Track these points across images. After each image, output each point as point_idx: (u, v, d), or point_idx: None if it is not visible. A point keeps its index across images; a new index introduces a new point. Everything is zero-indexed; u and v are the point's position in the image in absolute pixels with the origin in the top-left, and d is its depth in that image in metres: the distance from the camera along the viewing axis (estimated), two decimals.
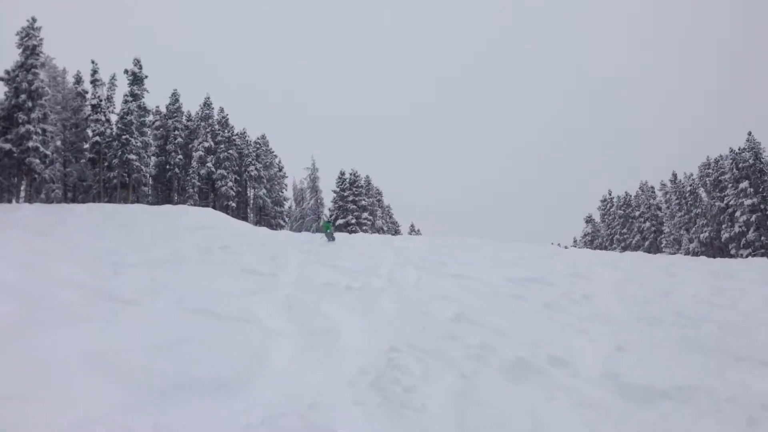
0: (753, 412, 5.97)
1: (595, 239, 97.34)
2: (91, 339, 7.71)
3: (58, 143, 49.86)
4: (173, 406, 6.01)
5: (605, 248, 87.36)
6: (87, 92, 51.69)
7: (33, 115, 41.65)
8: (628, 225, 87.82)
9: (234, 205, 62.97)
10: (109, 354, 7.22)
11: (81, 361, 6.91)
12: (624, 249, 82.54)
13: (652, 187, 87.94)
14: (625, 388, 6.80)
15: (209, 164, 61.88)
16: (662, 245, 78.48)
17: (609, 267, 19.52)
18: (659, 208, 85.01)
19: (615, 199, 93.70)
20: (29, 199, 43.88)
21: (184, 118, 65.10)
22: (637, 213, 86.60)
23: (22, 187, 45.28)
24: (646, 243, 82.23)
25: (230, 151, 64.56)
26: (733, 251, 64.11)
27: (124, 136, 48.74)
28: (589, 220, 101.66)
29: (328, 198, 74.84)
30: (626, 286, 15.22)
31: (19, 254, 15.88)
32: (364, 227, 68.08)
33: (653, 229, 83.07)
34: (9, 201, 44.52)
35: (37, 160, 41.35)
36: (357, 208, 70.25)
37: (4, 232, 22.84)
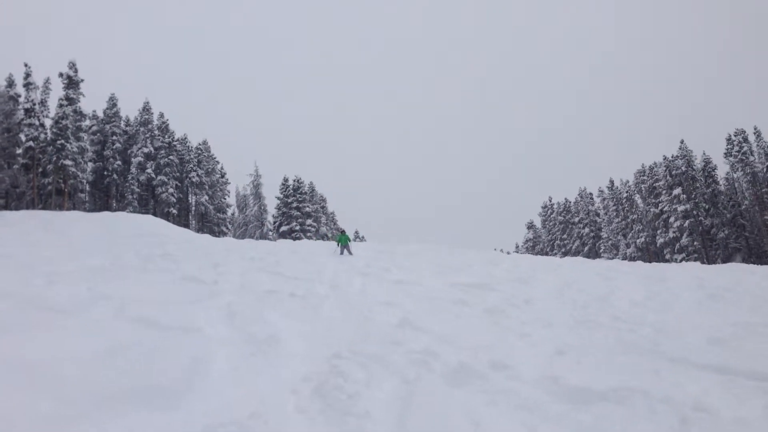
0: (686, 412, 6.18)
1: (536, 245, 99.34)
2: (21, 350, 7.42)
3: None
4: (110, 417, 5.83)
5: (546, 254, 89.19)
6: (20, 96, 50.05)
7: None
8: (568, 231, 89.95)
9: (175, 212, 61.81)
10: (41, 365, 6.95)
11: (9, 371, 6.64)
12: (564, 254, 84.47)
13: (591, 194, 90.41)
14: (564, 390, 6.95)
15: (149, 170, 60.62)
16: (601, 250, 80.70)
17: (550, 272, 19.95)
18: (597, 214, 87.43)
19: (555, 206, 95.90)
20: None
21: (122, 123, 63.69)
22: (576, 219, 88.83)
23: None
24: (586, 248, 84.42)
25: (171, 157, 63.41)
26: (667, 256, 66.38)
27: (59, 141, 47.35)
28: (530, 226, 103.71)
29: (271, 204, 74.32)
30: (566, 291, 15.57)
31: None
32: (309, 234, 67.73)
33: (592, 234, 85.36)
34: None
35: None
36: (301, 214, 69.91)
37: None
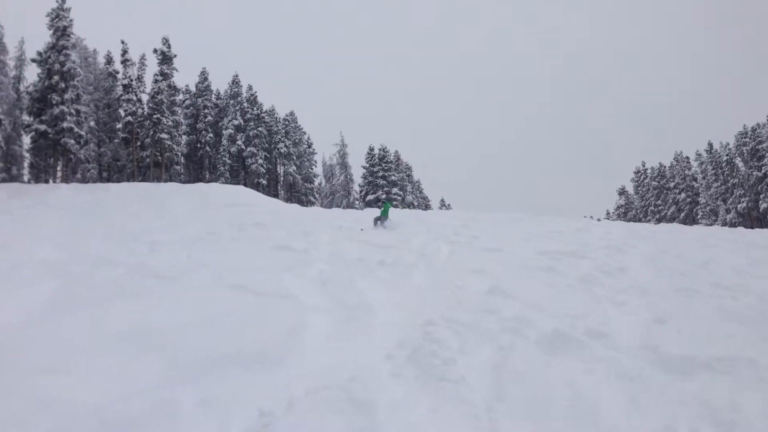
0: None
1: (628, 211, 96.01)
2: (133, 315, 7.89)
3: (92, 123, 50.55)
4: (216, 379, 6.13)
5: (639, 220, 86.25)
6: (118, 72, 52.25)
7: (66, 96, 42.22)
8: (663, 196, 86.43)
9: (264, 182, 63.37)
10: (152, 329, 7.37)
11: (124, 336, 7.08)
12: (659, 221, 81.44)
13: (687, 158, 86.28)
14: (665, 359, 6.74)
15: (239, 142, 62.27)
16: (698, 216, 77.21)
17: (644, 239, 19.26)
18: (695, 179, 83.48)
19: (649, 171, 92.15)
20: (66, 179, 44.71)
21: (213, 96, 65.50)
22: (671, 184, 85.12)
23: (59, 168, 46.12)
24: (682, 214, 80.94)
25: (260, 129, 64.82)
26: None
27: (155, 116, 49.23)
28: (622, 192, 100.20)
29: (357, 174, 74.93)
30: (662, 258, 15.00)
31: (58, 233, 16.24)
32: (395, 202, 68.05)
33: (689, 200, 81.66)
34: (46, 181, 45.41)
35: (72, 141, 42.01)
36: (387, 183, 70.22)
37: (43, 211, 23.35)
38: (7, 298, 8.87)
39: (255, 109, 65.83)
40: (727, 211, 72.35)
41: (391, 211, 26.79)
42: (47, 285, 9.75)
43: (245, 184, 58.54)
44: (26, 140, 46.37)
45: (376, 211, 25.72)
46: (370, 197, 68.62)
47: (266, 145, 66.96)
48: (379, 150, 73.07)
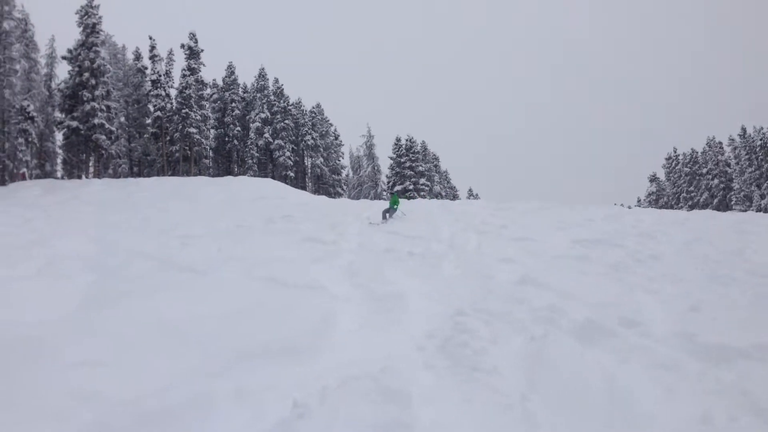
0: None
1: (660, 198, 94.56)
2: (167, 308, 8.00)
3: (122, 119, 51.18)
4: (249, 370, 6.20)
5: (671, 207, 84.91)
6: (146, 68, 52.71)
7: (97, 93, 42.73)
8: (695, 183, 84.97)
9: (292, 174, 63.65)
10: (185, 322, 7.47)
11: (158, 329, 7.18)
12: (691, 207, 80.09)
13: (720, 143, 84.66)
14: (701, 347, 6.64)
15: (267, 135, 62.58)
16: (732, 202, 75.81)
17: (677, 226, 18.97)
18: (728, 164, 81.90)
19: (680, 157, 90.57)
20: (98, 175, 45.39)
21: (240, 90, 65.83)
22: (704, 170, 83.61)
23: (91, 163, 46.80)
24: (715, 200, 79.57)
25: (286, 121, 65.05)
26: None
27: (183, 110, 49.66)
28: (653, 179, 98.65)
29: (384, 165, 74.86)
30: (696, 246, 14.76)
31: (91, 228, 16.52)
32: (422, 193, 67.91)
33: (722, 186, 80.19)
34: (79, 177, 46.11)
35: (103, 137, 42.56)
36: (414, 173, 70.02)
37: (77, 206, 23.75)
38: (45, 293, 9.05)
39: (282, 101, 66.06)
40: (762, 196, 70.93)
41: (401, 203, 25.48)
42: (82, 279, 9.94)
43: (273, 177, 58.81)
44: (59, 137, 47.13)
45: (386, 204, 25.44)
46: (397, 188, 68.53)
47: (293, 137, 67.18)
48: (406, 140, 72.84)
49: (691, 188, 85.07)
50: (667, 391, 5.63)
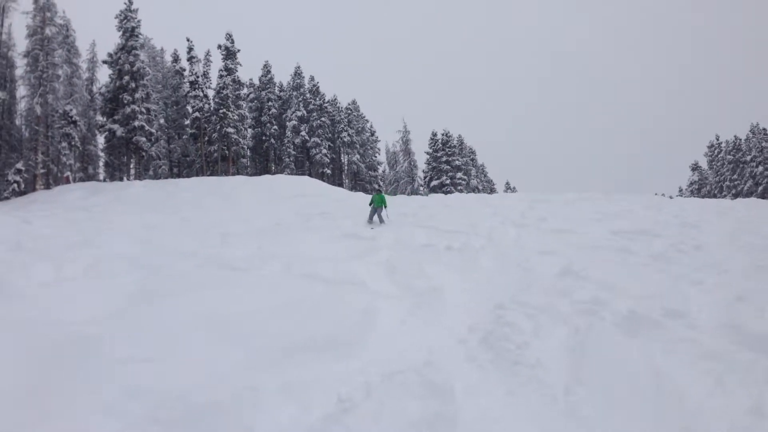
0: None
1: (702, 187, 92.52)
2: (211, 305, 8.14)
3: (162, 121, 52.05)
4: (294, 365, 6.28)
5: (714, 196, 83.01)
6: (184, 70, 53.51)
7: (137, 96, 43.53)
8: (739, 170, 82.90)
9: (329, 171, 63.98)
10: (229, 318, 7.59)
11: (204, 324, 7.32)
12: (735, 196, 78.17)
13: (764, 129, 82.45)
14: (749, 338, 6.48)
15: (303, 133, 63.02)
16: None
17: (721, 215, 18.57)
18: None
19: (723, 145, 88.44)
20: (139, 176, 46.28)
21: (276, 89, 66.35)
22: (748, 157, 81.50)
23: (132, 165, 47.72)
24: (760, 188, 77.48)
25: (323, 119, 65.41)
26: None
27: (221, 110, 50.27)
28: (695, 167, 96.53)
29: (421, 160, 74.78)
30: (741, 235, 14.42)
31: (134, 228, 16.86)
32: (459, 187, 67.65)
33: (767, 173, 78.06)
34: (120, 179, 47.09)
35: (144, 139, 43.34)
36: (451, 168, 69.78)
37: (119, 207, 24.27)
38: (93, 292, 9.27)
39: (317, 99, 66.45)
40: None
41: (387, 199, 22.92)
42: (129, 278, 10.15)
43: (310, 174, 59.29)
44: (100, 140, 48.13)
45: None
46: (434, 183, 68.38)
47: (329, 134, 67.51)
48: (442, 135, 72.63)
49: (735, 176, 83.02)
50: (716, 382, 5.52)
